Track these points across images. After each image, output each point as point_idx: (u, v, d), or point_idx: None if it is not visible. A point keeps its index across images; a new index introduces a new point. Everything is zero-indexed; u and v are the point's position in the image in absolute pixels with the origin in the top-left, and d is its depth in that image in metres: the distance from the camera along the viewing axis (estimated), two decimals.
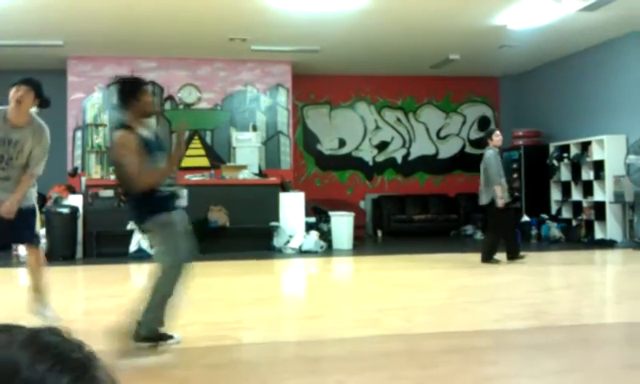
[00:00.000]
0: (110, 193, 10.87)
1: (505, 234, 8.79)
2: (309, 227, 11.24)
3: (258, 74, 12.96)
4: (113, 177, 10.81)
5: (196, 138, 12.78)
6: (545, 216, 12.52)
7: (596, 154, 11.73)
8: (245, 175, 11.22)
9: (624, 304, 6.16)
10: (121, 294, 7.04)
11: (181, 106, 12.77)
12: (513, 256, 8.78)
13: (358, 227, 12.20)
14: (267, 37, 11.09)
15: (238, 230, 10.71)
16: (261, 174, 11.80)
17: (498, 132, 8.93)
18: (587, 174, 12.09)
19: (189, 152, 12.73)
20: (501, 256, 8.73)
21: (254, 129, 12.54)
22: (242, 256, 9.94)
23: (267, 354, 4.36)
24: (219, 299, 6.49)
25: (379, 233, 13.76)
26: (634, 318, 5.35)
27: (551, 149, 13.02)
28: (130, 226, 10.25)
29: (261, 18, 9.88)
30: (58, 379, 0.58)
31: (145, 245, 10.19)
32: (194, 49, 11.90)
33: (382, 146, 14.69)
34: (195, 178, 11.27)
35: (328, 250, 10.94)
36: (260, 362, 4.22)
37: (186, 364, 4.02)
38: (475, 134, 15.07)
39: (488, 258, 8.71)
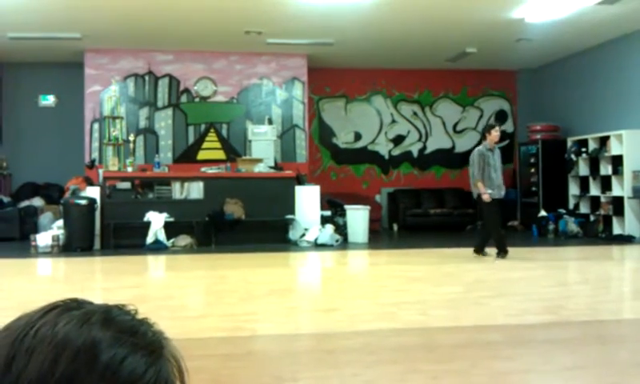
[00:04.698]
0: (127, 185, 10.96)
1: (492, 228, 8.74)
2: (324, 220, 11.24)
3: (273, 68, 12.97)
4: (130, 169, 10.91)
5: (212, 131, 12.83)
6: (562, 211, 12.42)
7: (614, 148, 11.61)
8: (260, 168, 11.25)
9: None
10: (139, 285, 7.11)
11: (197, 99, 12.82)
12: (499, 251, 8.62)
13: (374, 221, 12.19)
14: (282, 30, 11.09)
15: (254, 223, 10.74)
16: (276, 167, 11.82)
17: (497, 128, 8.80)
18: (605, 169, 11.98)
19: (205, 145, 12.79)
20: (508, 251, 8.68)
21: (270, 122, 12.55)
22: (258, 249, 9.97)
23: (282, 345, 4.38)
24: (234, 291, 6.52)
25: (395, 227, 13.73)
26: None
27: (569, 143, 12.91)
28: (147, 217, 10.35)
29: (276, 10, 9.88)
30: (138, 360, 0.58)
31: (162, 236, 10.26)
32: (210, 42, 11.93)
33: (398, 139, 14.65)
34: (211, 170, 11.32)
35: (343, 243, 10.94)
36: (275, 353, 4.24)
37: (200, 354, 4.05)
38: None
39: (479, 250, 8.79)
